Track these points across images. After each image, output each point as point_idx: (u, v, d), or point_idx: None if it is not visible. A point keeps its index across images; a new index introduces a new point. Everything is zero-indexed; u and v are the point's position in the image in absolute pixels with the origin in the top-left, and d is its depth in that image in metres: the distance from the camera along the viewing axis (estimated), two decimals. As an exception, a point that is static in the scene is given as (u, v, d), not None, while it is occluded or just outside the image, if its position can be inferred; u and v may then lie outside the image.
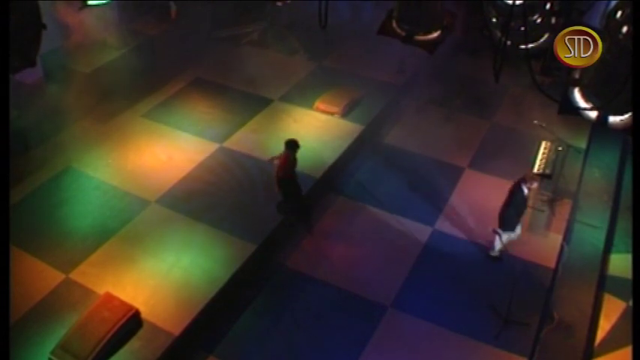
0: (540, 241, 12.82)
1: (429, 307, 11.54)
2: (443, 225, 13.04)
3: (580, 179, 14.55)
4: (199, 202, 13.00)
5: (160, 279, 11.24)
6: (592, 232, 13.31)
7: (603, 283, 12.38)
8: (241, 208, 12.80)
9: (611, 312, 11.91)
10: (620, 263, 12.86)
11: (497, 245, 11.94)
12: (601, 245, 13.05)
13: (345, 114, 15.54)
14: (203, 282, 11.18)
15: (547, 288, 11.99)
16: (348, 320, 11.22)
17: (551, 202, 13.68)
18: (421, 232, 12.98)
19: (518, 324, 11.19)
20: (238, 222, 12.45)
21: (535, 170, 13.23)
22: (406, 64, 17.46)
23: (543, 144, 13.58)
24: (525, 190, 11.71)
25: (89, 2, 11.60)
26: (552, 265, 12.45)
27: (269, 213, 12.61)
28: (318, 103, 15.67)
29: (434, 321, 11.25)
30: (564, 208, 13.74)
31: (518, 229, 12.02)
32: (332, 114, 15.50)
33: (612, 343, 11.33)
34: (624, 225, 13.68)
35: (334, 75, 17.20)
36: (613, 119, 8.32)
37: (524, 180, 11.76)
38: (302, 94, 16.34)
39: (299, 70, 17.65)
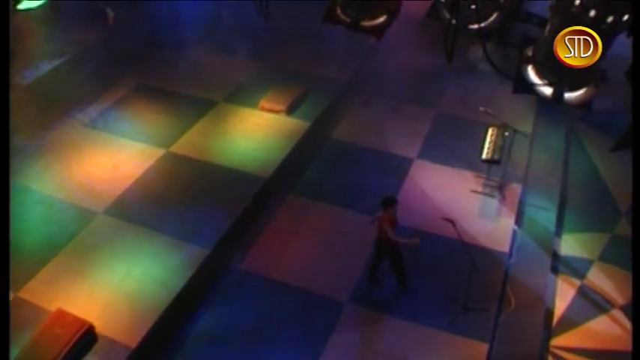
0: (493, 227, 12.89)
1: (387, 300, 11.49)
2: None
3: (527, 163, 14.71)
4: (148, 209, 12.68)
5: (113, 291, 10.92)
6: (543, 214, 13.49)
7: (557, 264, 12.50)
8: (191, 213, 12.52)
9: (566, 291, 12.12)
10: (571, 243, 13.15)
11: None
12: (552, 227, 13.21)
13: (290, 112, 15.39)
14: (157, 291, 10.89)
15: (503, 272, 11.99)
16: (306, 319, 11.08)
17: (501, 188, 13.74)
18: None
19: (476, 310, 11.18)
20: (189, 227, 12.17)
21: (483, 157, 13.25)
22: (349, 59, 17.38)
23: (490, 130, 13.66)
24: None
25: (20, 6, 11.06)
26: (506, 249, 12.50)
27: (220, 216, 12.35)
28: (262, 103, 15.49)
29: (393, 313, 11.21)
30: (514, 193, 13.83)
31: None
32: (277, 112, 15.35)
33: (569, 322, 11.55)
34: (573, 205, 13.97)
35: (278, 74, 17.00)
36: (568, 95, 8.29)
37: None
38: (246, 95, 16.12)
39: (242, 70, 17.39)
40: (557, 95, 8.04)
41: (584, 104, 8.22)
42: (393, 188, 13.64)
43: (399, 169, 14.42)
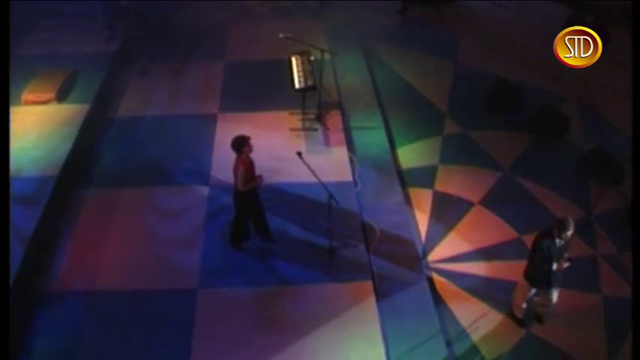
0: (327, 160, 11.61)
1: (243, 270, 9.77)
2: (218, 176, 11.18)
3: (337, 88, 13.64)
4: None
5: None
6: (372, 134, 12.60)
7: (403, 179, 11.57)
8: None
9: (422, 202, 11.31)
10: (409, 155, 12.45)
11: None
12: (386, 144, 12.32)
13: (61, 98, 12.91)
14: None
15: (357, 203, 10.81)
16: (159, 321, 9.03)
17: (320, 118, 12.54)
18: (197, 193, 11.09)
19: (345, 250, 9.93)
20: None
21: (297, 86, 11.90)
22: (115, 29, 15.15)
23: (294, 59, 12.35)
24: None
25: None
26: (350, 178, 11.31)
27: (22, 233, 9.74)
28: (25, 96, 12.82)
29: (256, 283, 9.55)
30: (335, 120, 12.70)
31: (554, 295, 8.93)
32: (46, 102, 12.79)
33: (437, 233, 10.79)
34: (397, 119, 13.28)
35: (37, 61, 14.24)
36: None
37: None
38: None
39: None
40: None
41: None
42: (203, 150, 11.98)
43: (204, 128, 12.59)
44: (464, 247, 10.41)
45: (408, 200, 11.26)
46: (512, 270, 9.92)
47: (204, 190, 11.18)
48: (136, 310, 9.15)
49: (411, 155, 12.35)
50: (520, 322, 9.14)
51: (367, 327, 8.84)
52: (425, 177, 11.80)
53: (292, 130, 12.43)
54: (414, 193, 11.47)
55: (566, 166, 11.93)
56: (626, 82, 11.59)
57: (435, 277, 9.93)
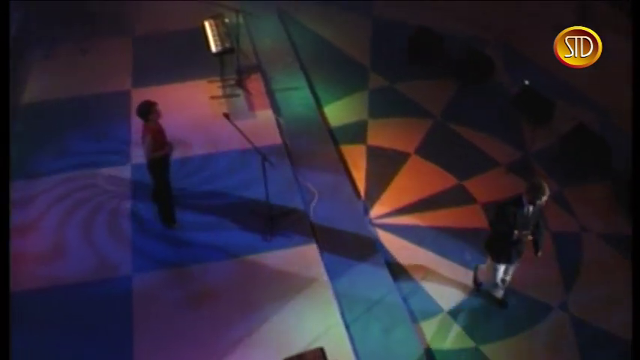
0: (255, 124, 11.08)
1: (180, 248, 9.17)
2: (139, 154, 10.39)
3: (255, 51, 13.06)
4: None
5: None
6: (296, 94, 12.16)
7: (334, 137, 11.18)
8: None
9: (357, 158, 10.98)
10: (336, 112, 12.06)
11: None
12: (312, 103, 11.91)
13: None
14: None
15: (289, 166, 10.34)
16: (96, 316, 8.31)
17: (241, 83, 11.96)
18: (119, 175, 10.39)
19: (284, 215, 9.40)
20: None
21: (214, 50, 11.26)
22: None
23: (207, 24, 11.70)
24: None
25: None
26: (279, 140, 10.82)
27: None
28: None
29: (196, 259, 8.97)
30: (257, 84, 12.17)
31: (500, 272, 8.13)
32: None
33: (376, 187, 10.42)
34: (320, 78, 12.79)
35: None
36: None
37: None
38: None
39: None
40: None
41: None
42: (120, 129, 11.19)
43: (118, 106, 11.76)
44: (405, 200, 10.10)
45: (341, 158, 10.83)
46: (456, 217, 9.77)
47: (126, 171, 10.47)
48: (69, 306, 8.39)
49: (338, 112, 11.93)
50: (501, 303, 8.39)
51: (318, 292, 8.44)
52: (356, 133, 11.42)
53: (213, 98, 11.82)
54: (347, 150, 11.07)
55: (496, 108, 11.76)
56: (547, 19, 11.60)
57: (380, 232, 9.57)
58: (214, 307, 8.27)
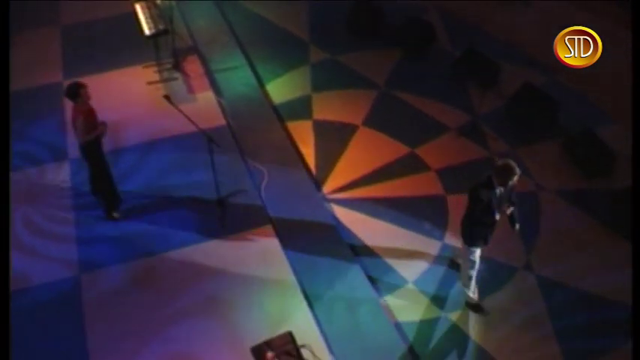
0: (197, 107, 10.65)
1: (128, 242, 8.70)
2: (76, 146, 9.86)
3: (190, 32, 12.60)
4: None
5: None
6: (237, 74, 11.75)
7: (279, 114, 10.84)
8: None
9: (304, 134, 10.66)
10: (279, 89, 11.66)
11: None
12: (253, 81, 11.54)
13: None
14: None
15: (235, 147, 9.98)
16: (45, 318, 7.85)
17: (178, 66, 11.49)
18: (57, 170, 9.85)
19: (234, 197, 9.08)
20: None
21: (148, 33, 10.77)
22: None
23: (138, 7, 11.16)
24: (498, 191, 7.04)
25: None
26: (223, 122, 10.46)
27: None
28: None
29: (147, 252, 8.52)
30: (195, 66, 11.70)
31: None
32: None
33: (325, 162, 10.13)
34: (259, 55, 12.34)
35: None
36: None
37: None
38: None
39: None
40: None
41: None
42: (53, 123, 10.63)
43: (50, 99, 11.13)
44: (357, 172, 9.86)
45: (288, 135, 10.50)
46: (411, 185, 9.62)
47: (65, 165, 9.92)
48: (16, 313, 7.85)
49: (281, 89, 11.58)
50: (476, 308, 7.89)
51: (279, 273, 8.17)
52: (301, 108, 11.09)
53: (150, 83, 11.31)
54: (293, 126, 10.75)
55: (441, 74, 11.59)
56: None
57: (336, 208, 9.31)
58: (170, 302, 7.88)
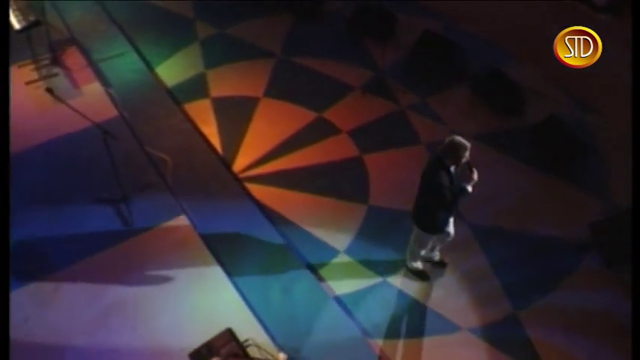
0: (84, 101, 9.75)
1: (31, 261, 7.78)
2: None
3: (65, 24, 11.63)
4: None
5: None
6: (122, 61, 10.95)
7: (174, 97, 10.26)
8: None
9: (204, 114, 10.06)
10: (169, 72, 10.93)
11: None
12: (141, 66, 10.86)
13: None
14: None
15: (132, 136, 9.26)
16: None
17: (56, 61, 10.60)
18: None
19: (140, 191, 8.44)
20: None
21: (18, 27, 9.80)
22: None
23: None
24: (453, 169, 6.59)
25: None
26: (115, 113, 9.71)
27: None
28: None
29: (51, 270, 7.61)
30: (76, 58, 10.82)
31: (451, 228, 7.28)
32: None
33: (231, 140, 9.55)
34: (142, 40, 11.53)
35: None
36: None
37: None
38: None
39: None
40: None
41: None
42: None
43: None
44: (266, 146, 9.38)
45: (188, 117, 9.87)
46: (325, 151, 9.29)
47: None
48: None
49: (172, 70, 10.89)
50: (419, 274, 7.61)
51: (203, 268, 7.57)
52: (196, 88, 10.47)
53: (29, 83, 10.33)
54: (191, 107, 10.13)
55: (336, 34, 11.25)
56: None
57: (250, 186, 8.81)
58: (86, 319, 7.11)
